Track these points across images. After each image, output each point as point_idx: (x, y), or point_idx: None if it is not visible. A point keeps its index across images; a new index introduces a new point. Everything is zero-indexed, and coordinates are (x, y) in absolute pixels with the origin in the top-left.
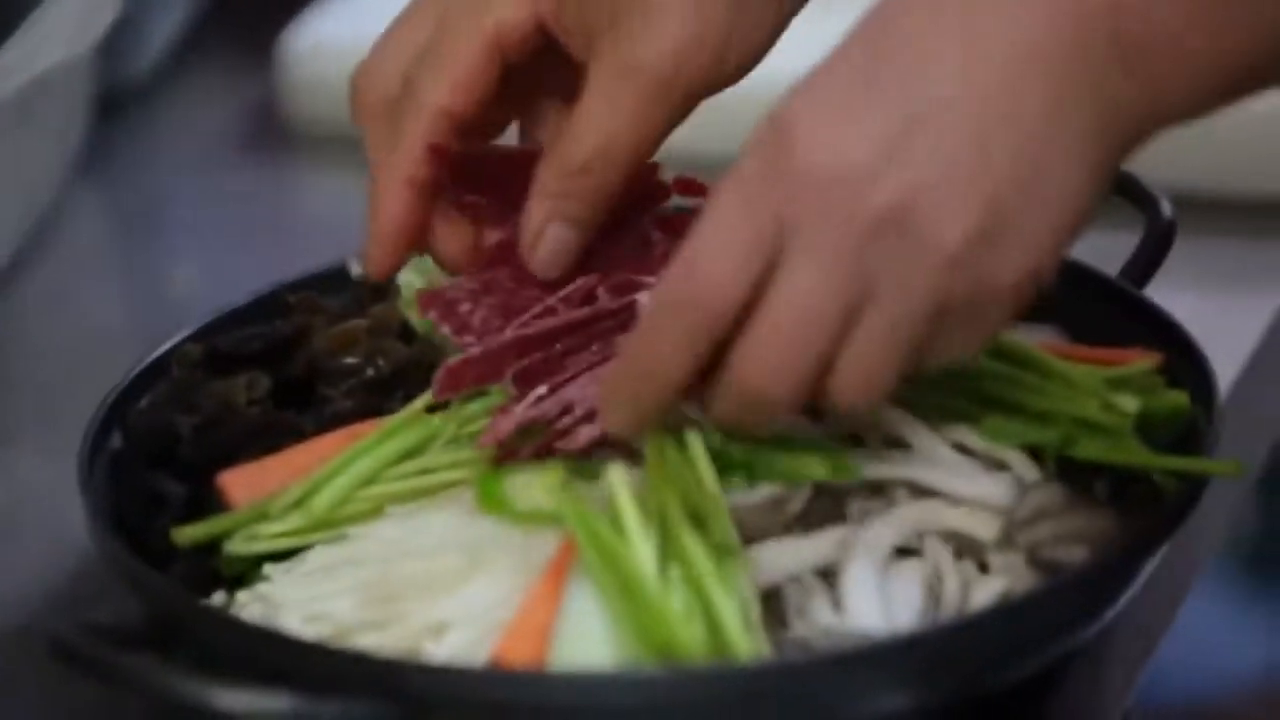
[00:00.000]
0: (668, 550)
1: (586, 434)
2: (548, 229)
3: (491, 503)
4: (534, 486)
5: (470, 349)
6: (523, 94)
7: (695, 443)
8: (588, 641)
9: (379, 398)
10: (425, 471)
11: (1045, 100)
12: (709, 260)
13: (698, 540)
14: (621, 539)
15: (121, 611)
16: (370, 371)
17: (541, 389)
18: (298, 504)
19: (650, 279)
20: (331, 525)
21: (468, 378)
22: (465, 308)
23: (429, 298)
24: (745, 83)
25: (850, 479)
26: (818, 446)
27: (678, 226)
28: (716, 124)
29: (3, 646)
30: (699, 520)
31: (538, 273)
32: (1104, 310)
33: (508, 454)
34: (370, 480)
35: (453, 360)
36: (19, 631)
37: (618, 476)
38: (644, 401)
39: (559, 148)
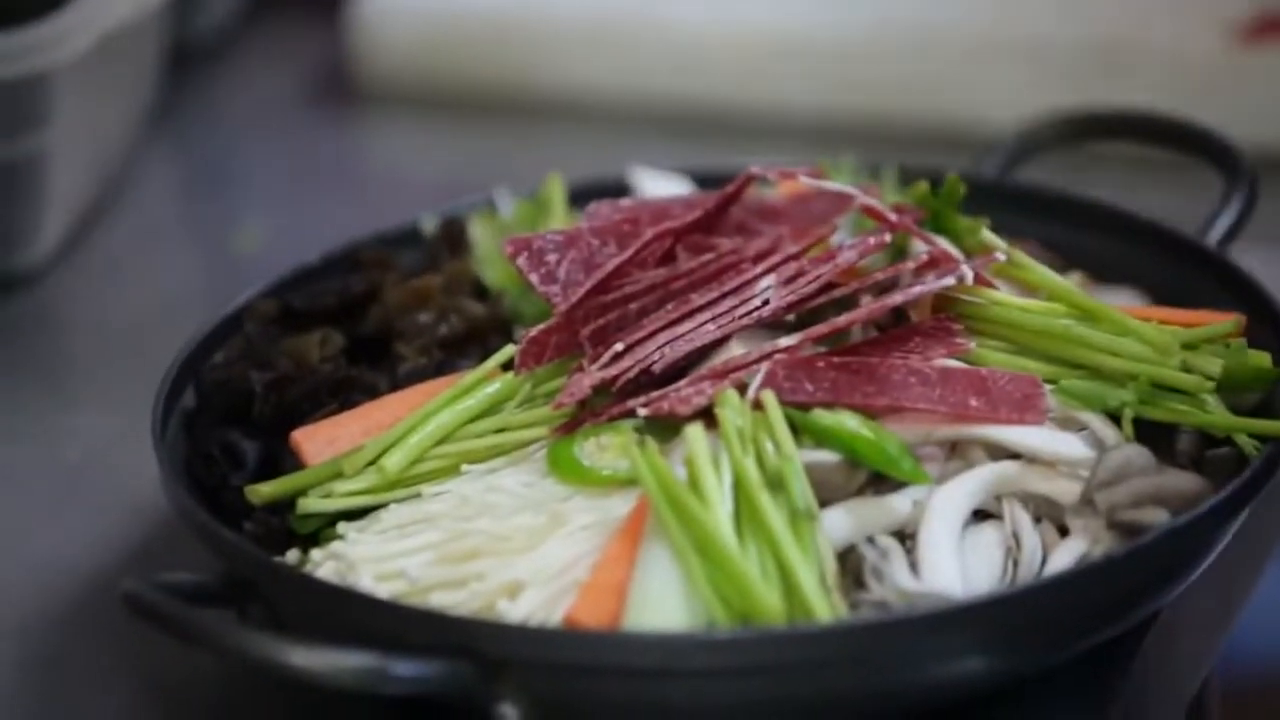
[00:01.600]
0: (743, 513)
1: (696, 400)
2: None
3: (563, 469)
4: (608, 449)
5: (554, 300)
6: None
7: (773, 405)
8: (662, 602)
9: (453, 355)
10: (501, 430)
11: None
12: None
13: (774, 503)
14: (699, 500)
15: (196, 569)
16: (444, 329)
17: (618, 345)
18: (371, 462)
19: (725, 241)
20: (406, 483)
21: (550, 347)
22: (552, 258)
23: (518, 243)
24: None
25: (924, 483)
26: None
27: (777, 215)
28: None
29: (79, 605)
30: (775, 482)
31: None
32: (1185, 271)
33: (586, 415)
34: (444, 439)
35: (534, 330)
36: (95, 590)
37: (697, 439)
38: None
39: None
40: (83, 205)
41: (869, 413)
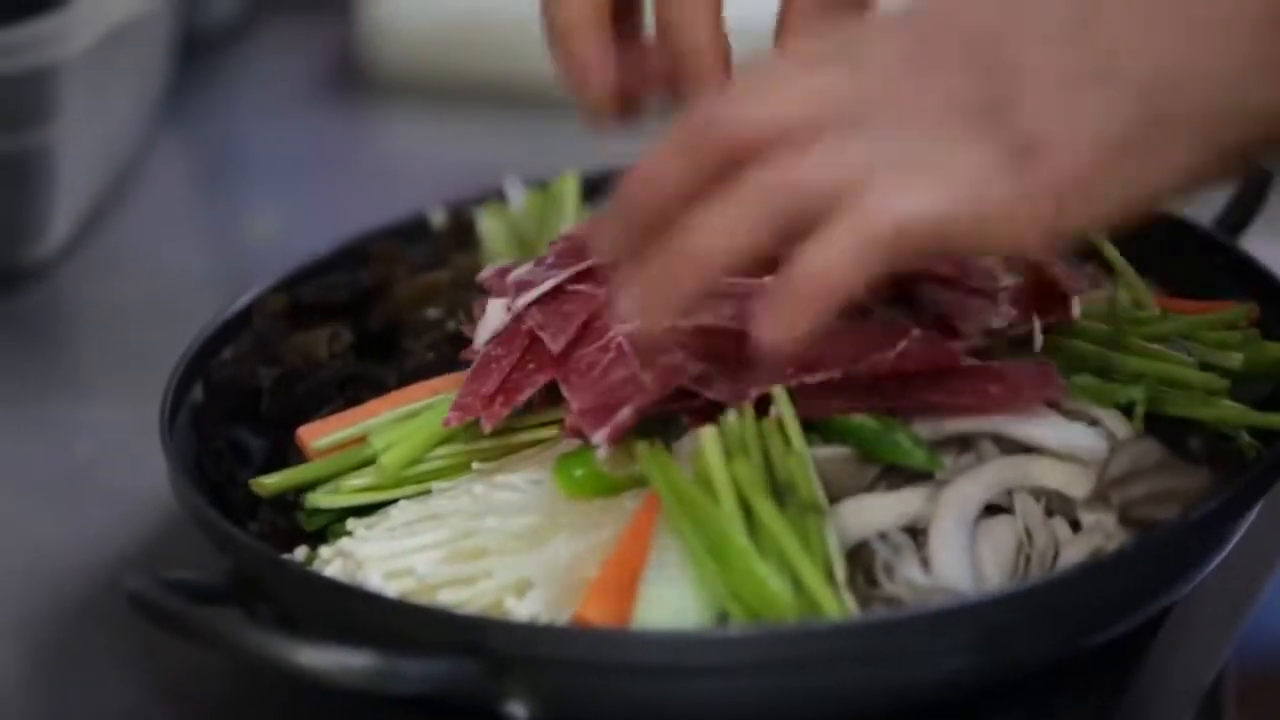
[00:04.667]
0: (749, 518)
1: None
2: None
3: (569, 485)
4: (617, 453)
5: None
6: None
7: (783, 400)
8: (672, 600)
9: (462, 351)
10: (509, 430)
11: None
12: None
13: (773, 506)
14: (710, 500)
15: (204, 567)
16: (452, 324)
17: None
18: (374, 459)
19: None
20: (415, 480)
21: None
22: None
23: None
24: None
25: (939, 470)
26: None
27: None
28: None
29: (87, 603)
30: (786, 480)
31: None
32: (1198, 262)
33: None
34: (447, 438)
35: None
36: (103, 588)
37: (710, 439)
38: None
39: None
40: (92, 198)
41: (891, 414)
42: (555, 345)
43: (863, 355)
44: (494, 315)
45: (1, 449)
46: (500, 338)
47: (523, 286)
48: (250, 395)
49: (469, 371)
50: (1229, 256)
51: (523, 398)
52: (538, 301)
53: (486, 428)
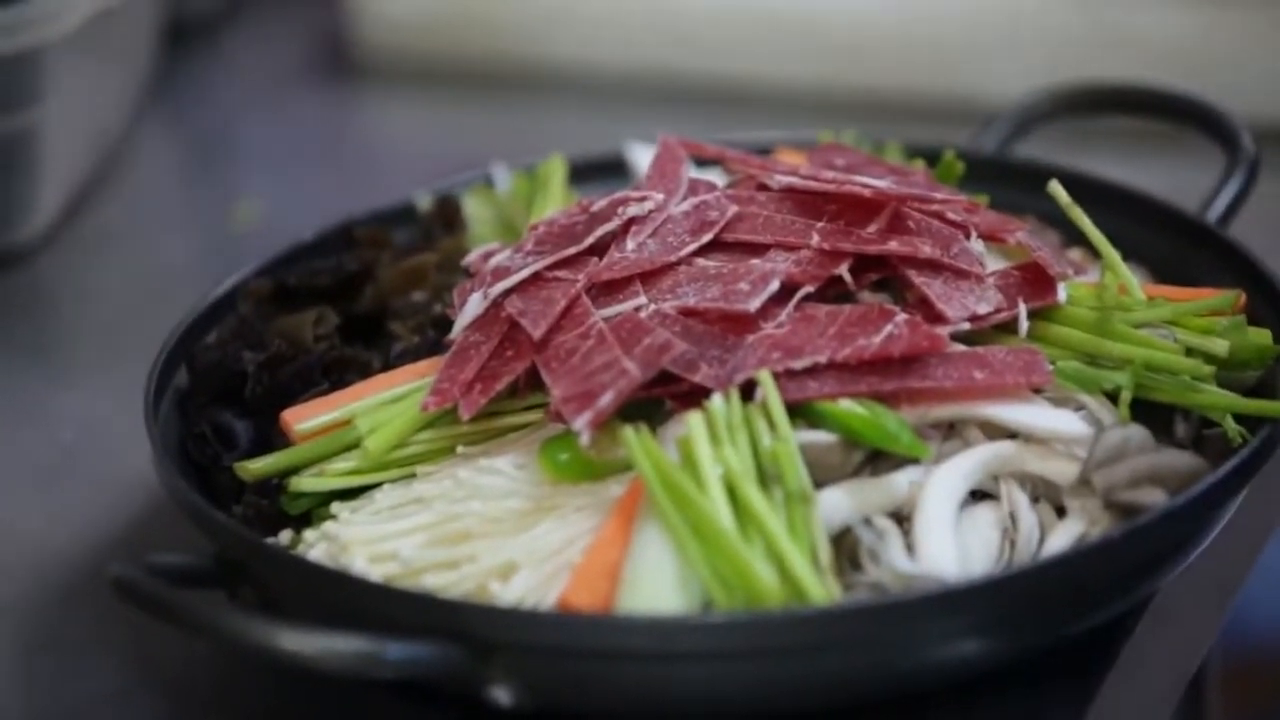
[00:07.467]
0: (734, 503)
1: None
2: None
3: (554, 469)
4: (602, 438)
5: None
6: None
7: (769, 386)
8: (655, 585)
9: (446, 334)
10: (494, 414)
11: None
12: None
13: (767, 489)
14: (696, 485)
15: (189, 551)
16: (438, 308)
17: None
18: (358, 443)
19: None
20: (399, 464)
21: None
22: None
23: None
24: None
25: (925, 457)
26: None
27: None
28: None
29: (72, 589)
30: (772, 466)
31: None
32: (1185, 247)
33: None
34: (431, 422)
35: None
36: (88, 573)
37: (696, 424)
38: None
39: None
40: (78, 182)
41: (877, 400)
42: (536, 331)
43: (848, 340)
44: (473, 307)
45: None
46: (478, 323)
47: (499, 274)
48: (235, 379)
49: (446, 356)
50: (1216, 243)
51: (501, 385)
52: (517, 288)
53: (465, 415)
